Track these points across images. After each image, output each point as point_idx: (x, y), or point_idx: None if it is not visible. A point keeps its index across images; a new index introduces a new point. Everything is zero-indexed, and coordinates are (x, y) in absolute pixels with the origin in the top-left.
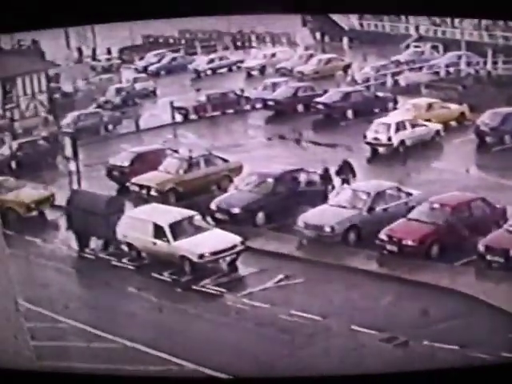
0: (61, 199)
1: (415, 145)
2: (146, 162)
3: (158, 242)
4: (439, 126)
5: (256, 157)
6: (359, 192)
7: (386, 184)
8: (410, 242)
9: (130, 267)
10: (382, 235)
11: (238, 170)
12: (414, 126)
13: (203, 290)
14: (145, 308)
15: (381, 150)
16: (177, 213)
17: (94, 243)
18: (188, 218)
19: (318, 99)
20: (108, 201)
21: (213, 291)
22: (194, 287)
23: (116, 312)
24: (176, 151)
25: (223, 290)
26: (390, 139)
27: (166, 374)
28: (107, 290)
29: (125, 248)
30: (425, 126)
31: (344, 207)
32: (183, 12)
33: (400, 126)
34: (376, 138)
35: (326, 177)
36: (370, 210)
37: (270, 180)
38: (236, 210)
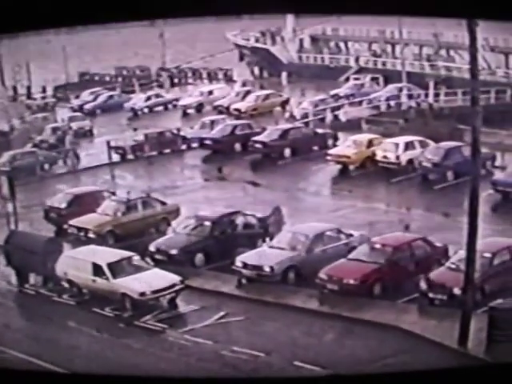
0: None
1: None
2: (84, 203)
3: (98, 279)
4: None
5: (193, 199)
6: (298, 234)
7: (324, 226)
8: (351, 281)
9: (71, 302)
10: (322, 275)
11: (176, 212)
12: (424, 146)
13: (145, 325)
14: (86, 342)
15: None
16: (115, 253)
17: (34, 279)
18: (127, 258)
19: (256, 138)
20: (46, 241)
21: (154, 327)
22: (136, 323)
23: (57, 344)
24: (113, 193)
25: (164, 325)
26: (398, 158)
27: None
28: (48, 324)
29: (65, 284)
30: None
31: (283, 249)
32: (182, 12)
33: (409, 146)
34: (385, 157)
35: (264, 221)
36: (309, 251)
37: (208, 223)
38: (174, 252)
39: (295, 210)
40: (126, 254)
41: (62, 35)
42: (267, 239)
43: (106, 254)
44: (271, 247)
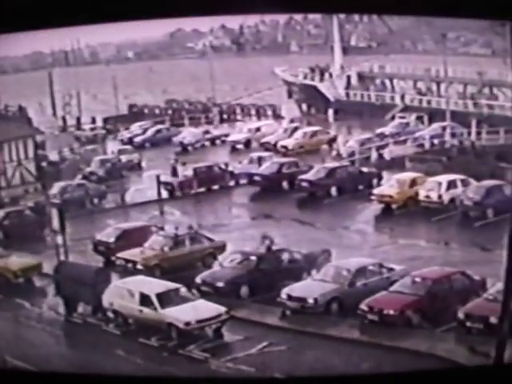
0: (48, 268)
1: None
2: (132, 238)
3: (145, 309)
4: None
5: (240, 237)
6: (341, 268)
7: (367, 261)
8: (391, 312)
9: (117, 332)
10: (364, 306)
11: (222, 248)
12: (465, 184)
13: (189, 354)
14: (132, 370)
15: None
16: (163, 284)
17: (82, 308)
18: (174, 289)
19: (303, 176)
20: (96, 271)
21: (198, 356)
22: (181, 352)
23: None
24: (162, 228)
25: (208, 355)
26: (440, 197)
27: None
28: (94, 353)
29: (110, 315)
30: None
31: (326, 282)
32: (182, 12)
33: (451, 185)
34: (427, 196)
35: (310, 257)
36: (351, 284)
37: (253, 258)
38: (220, 284)
39: (339, 246)
40: (174, 285)
41: (113, 64)
42: (312, 272)
43: (155, 285)
44: (315, 280)
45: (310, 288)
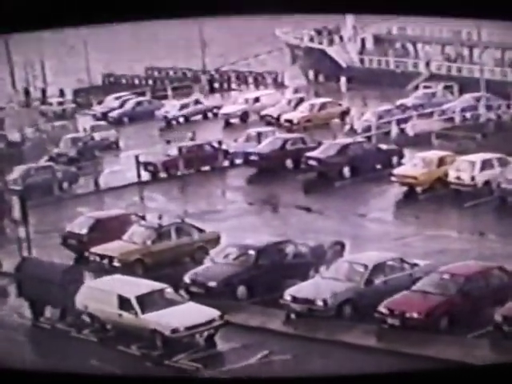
0: (8, 266)
1: None
2: (108, 229)
3: (125, 313)
4: None
5: (236, 226)
6: (355, 264)
7: (386, 255)
8: (415, 315)
9: (93, 339)
10: (382, 308)
11: (215, 240)
12: (503, 164)
13: (177, 365)
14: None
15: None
16: (145, 285)
17: (50, 312)
18: (158, 290)
19: (310, 154)
20: (65, 270)
21: (187, 367)
22: (167, 362)
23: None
24: (143, 218)
25: (199, 365)
26: (473, 179)
27: None
28: (66, 362)
29: (86, 319)
30: None
31: (338, 280)
32: (183, 13)
33: (487, 165)
34: (458, 178)
35: (318, 251)
36: (368, 283)
37: (252, 252)
38: (213, 283)
39: (354, 237)
40: (157, 285)
41: (83, 29)
42: (321, 269)
43: (135, 286)
44: (325, 278)
45: (318, 288)
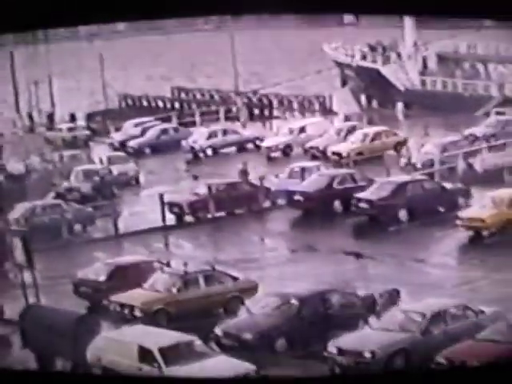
0: (11, 312)
1: None
2: (128, 277)
3: (146, 367)
4: None
5: (275, 275)
6: (412, 313)
7: (447, 302)
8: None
9: None
10: (440, 358)
11: (252, 290)
12: None
13: None
14: None
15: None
16: (170, 336)
17: (61, 365)
18: (185, 342)
19: (361, 194)
20: (77, 318)
21: None
22: None
23: None
24: (167, 264)
25: None
26: None
27: None
28: None
29: (98, 372)
30: None
31: (391, 330)
32: (183, 13)
33: None
34: None
35: (368, 301)
36: (425, 333)
37: (294, 302)
38: (248, 336)
39: (411, 284)
40: (184, 337)
41: (97, 41)
42: (371, 320)
43: (158, 337)
44: (375, 329)
45: (366, 338)
